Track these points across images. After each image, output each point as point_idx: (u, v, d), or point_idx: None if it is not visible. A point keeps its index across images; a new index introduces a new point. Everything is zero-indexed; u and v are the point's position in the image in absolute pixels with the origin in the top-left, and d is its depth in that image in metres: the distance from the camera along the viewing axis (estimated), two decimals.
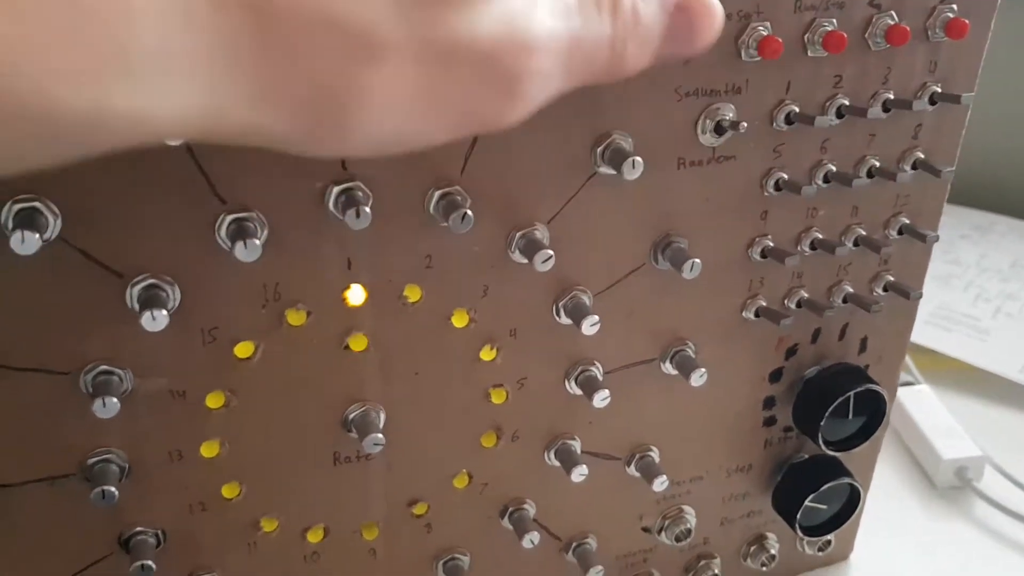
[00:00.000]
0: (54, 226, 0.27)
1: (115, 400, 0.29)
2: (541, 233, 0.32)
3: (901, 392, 0.59)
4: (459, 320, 0.33)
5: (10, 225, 0.26)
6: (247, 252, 0.28)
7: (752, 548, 0.46)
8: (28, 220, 0.26)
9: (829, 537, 0.46)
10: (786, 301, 0.38)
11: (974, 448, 0.54)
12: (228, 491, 0.34)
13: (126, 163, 0.27)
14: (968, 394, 0.62)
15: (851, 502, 0.44)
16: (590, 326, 0.33)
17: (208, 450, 0.32)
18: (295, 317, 0.31)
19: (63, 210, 0.27)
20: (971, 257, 0.77)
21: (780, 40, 0.32)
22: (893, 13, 0.34)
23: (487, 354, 0.34)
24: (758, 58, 0.32)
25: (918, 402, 0.58)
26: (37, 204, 0.26)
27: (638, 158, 0.31)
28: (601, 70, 0.24)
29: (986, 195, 0.84)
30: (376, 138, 0.21)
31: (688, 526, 0.42)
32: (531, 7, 0.22)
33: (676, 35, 0.26)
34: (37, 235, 0.25)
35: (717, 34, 0.27)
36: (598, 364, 0.36)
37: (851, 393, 0.39)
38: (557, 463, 0.37)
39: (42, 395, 0.29)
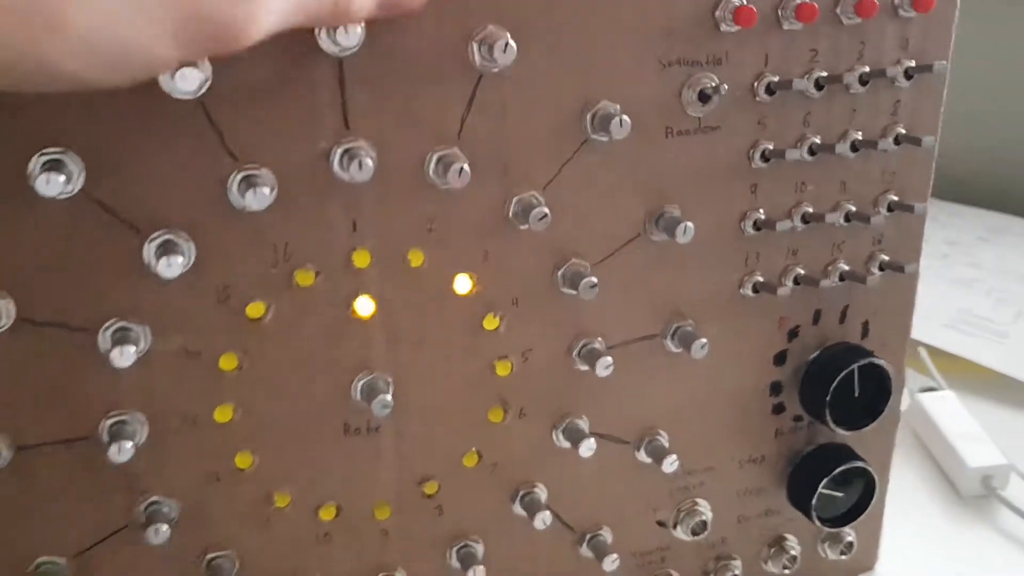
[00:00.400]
0: (77, 178, 0.29)
1: (132, 348, 0.30)
2: (537, 199, 0.34)
3: (924, 398, 0.58)
4: (461, 286, 0.35)
5: (36, 171, 0.28)
6: (255, 199, 0.30)
7: (772, 550, 0.45)
8: (54, 169, 0.28)
9: (851, 539, 0.46)
10: (783, 278, 0.39)
11: (1000, 455, 0.53)
12: (241, 461, 0.34)
13: (144, 117, 0.29)
14: (990, 399, 0.61)
15: (868, 491, 0.43)
16: (588, 288, 0.34)
17: (222, 415, 0.33)
18: (304, 277, 0.33)
19: (87, 163, 0.29)
20: (990, 260, 0.77)
21: (754, 9, 0.34)
22: None
23: (490, 323, 0.36)
24: (735, 28, 0.34)
25: (942, 408, 0.57)
26: (63, 156, 0.28)
27: (625, 117, 0.33)
28: (330, 4, 0.26)
29: (1001, 197, 0.85)
30: (94, 42, 0.21)
31: (703, 518, 0.42)
32: None
33: None
34: (63, 177, 0.27)
35: None
36: (601, 338, 0.37)
37: (855, 366, 0.40)
38: (566, 443, 0.38)
39: (61, 351, 0.31)
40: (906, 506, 0.51)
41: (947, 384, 0.61)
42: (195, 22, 0.22)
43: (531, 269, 0.35)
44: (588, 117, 0.34)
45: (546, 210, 0.33)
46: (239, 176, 0.30)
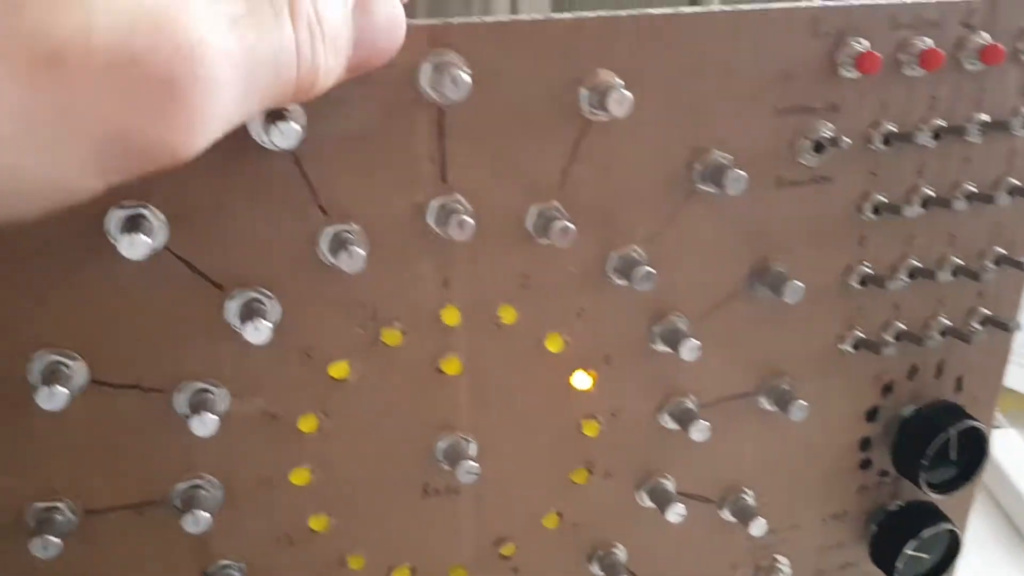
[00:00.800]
0: (159, 234, 0.26)
1: (213, 416, 0.28)
2: (639, 253, 0.32)
3: None
4: (553, 344, 0.33)
5: (116, 230, 0.26)
6: (350, 261, 0.27)
7: None
8: (134, 225, 0.26)
9: None
10: (883, 333, 0.37)
11: None
12: (315, 523, 0.32)
13: (231, 170, 0.27)
14: None
15: (950, 551, 0.42)
16: (689, 351, 0.32)
17: (298, 477, 0.31)
18: (391, 336, 0.30)
19: (168, 217, 0.27)
20: None
21: (878, 55, 0.31)
22: (985, 33, 0.33)
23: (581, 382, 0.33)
24: (856, 74, 0.32)
25: (1005, 447, 0.55)
26: (143, 211, 0.26)
27: (741, 172, 0.30)
28: (292, 82, 0.21)
29: None
30: None
31: (782, 575, 0.40)
32: (180, 5, 0.18)
33: (364, 41, 0.24)
34: (147, 239, 0.25)
35: (402, 35, 0.25)
36: (693, 396, 0.35)
37: (953, 431, 0.38)
38: (650, 503, 0.36)
39: (135, 414, 0.29)
40: (968, 548, 0.49)
41: (1008, 422, 0.59)
42: (119, 144, 0.18)
43: (626, 326, 0.33)
44: (697, 168, 0.31)
45: (651, 268, 0.30)
46: (330, 233, 0.28)
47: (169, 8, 0.18)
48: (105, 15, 0.17)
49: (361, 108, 0.27)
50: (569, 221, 0.29)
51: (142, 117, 0.18)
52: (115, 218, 0.26)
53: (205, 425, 0.28)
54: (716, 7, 0.30)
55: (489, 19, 0.28)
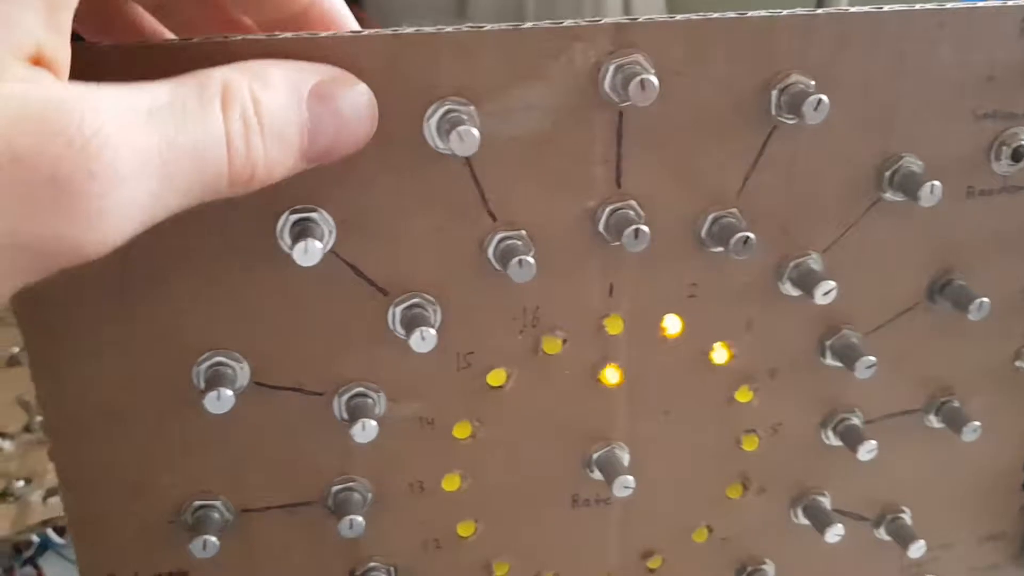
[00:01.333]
0: (328, 239, 0.26)
1: (374, 423, 0.27)
2: (816, 263, 0.30)
3: None
4: (718, 356, 0.31)
5: (287, 235, 0.25)
6: (521, 271, 0.26)
7: None
8: (306, 232, 0.25)
9: None
10: None
11: None
12: (464, 529, 0.32)
13: (400, 175, 0.26)
14: None
15: None
16: (865, 368, 0.30)
17: (449, 483, 0.31)
18: (551, 344, 0.29)
19: (337, 222, 0.26)
20: None
21: None
22: None
23: (743, 395, 0.32)
24: None
25: None
26: (314, 215, 0.25)
27: (937, 183, 0.28)
28: (224, 176, 0.20)
29: None
30: None
31: None
32: (77, 96, 0.18)
33: (324, 129, 0.22)
34: (320, 245, 0.24)
35: (374, 122, 0.24)
36: (859, 412, 0.33)
37: None
38: (804, 521, 0.34)
39: (295, 416, 0.28)
40: None
41: None
42: (15, 251, 0.17)
43: (795, 338, 0.31)
44: (886, 175, 0.29)
45: (833, 283, 0.28)
46: (499, 240, 0.27)
47: (63, 101, 0.17)
48: None
49: (536, 110, 0.26)
50: (747, 230, 0.27)
51: (35, 217, 0.17)
52: (287, 223, 0.25)
53: (366, 433, 0.27)
54: (919, 5, 0.28)
55: (679, 17, 0.26)
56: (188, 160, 0.19)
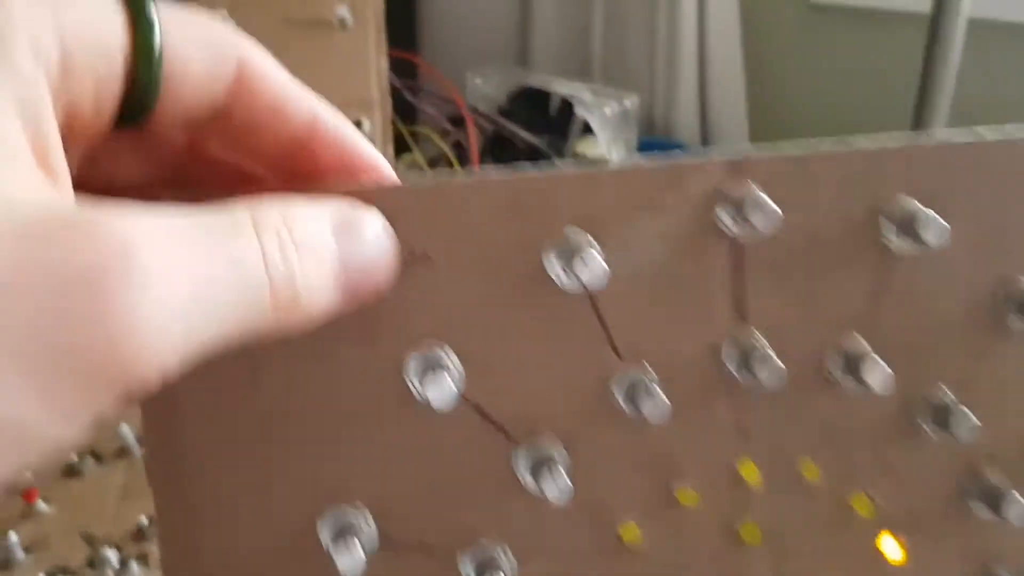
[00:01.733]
0: (457, 380, 0.25)
1: None
2: (951, 399, 0.29)
3: None
4: (859, 504, 0.29)
5: (415, 378, 0.25)
6: (656, 410, 0.25)
7: None
8: (437, 370, 0.25)
9: None
10: None
11: None
12: None
13: (521, 312, 0.26)
14: None
15: None
16: (1019, 515, 0.28)
17: None
18: (686, 495, 0.28)
19: (463, 361, 0.26)
20: None
21: None
22: None
23: (890, 549, 0.30)
24: None
25: None
26: (441, 353, 0.25)
27: None
28: (267, 294, 0.19)
29: None
30: None
31: None
32: (104, 210, 0.17)
33: (354, 257, 0.22)
34: (453, 385, 0.24)
35: (392, 264, 0.23)
36: (1008, 564, 0.31)
37: None
38: None
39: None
40: None
41: None
42: (67, 389, 0.16)
43: (937, 482, 0.29)
44: (1005, 300, 0.28)
45: (976, 420, 0.27)
46: (626, 379, 0.26)
47: (92, 214, 0.17)
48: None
49: (653, 243, 0.26)
50: (885, 365, 0.27)
51: (68, 324, 0.16)
52: (414, 363, 0.25)
53: None
54: (1018, 135, 0.28)
55: (789, 151, 0.26)
56: (224, 270, 0.18)
